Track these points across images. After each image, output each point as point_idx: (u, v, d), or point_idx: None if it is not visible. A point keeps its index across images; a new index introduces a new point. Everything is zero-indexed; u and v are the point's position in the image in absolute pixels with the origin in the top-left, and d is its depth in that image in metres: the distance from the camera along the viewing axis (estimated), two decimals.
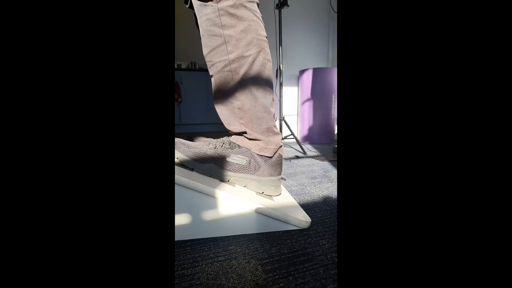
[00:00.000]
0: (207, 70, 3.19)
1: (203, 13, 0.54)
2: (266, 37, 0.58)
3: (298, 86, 2.29)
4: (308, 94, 2.07)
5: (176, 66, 3.18)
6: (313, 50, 2.42)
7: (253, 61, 0.55)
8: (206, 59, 0.57)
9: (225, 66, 0.55)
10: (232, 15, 0.53)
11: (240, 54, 0.54)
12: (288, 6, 1.50)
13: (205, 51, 0.57)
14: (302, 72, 2.11)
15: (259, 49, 0.56)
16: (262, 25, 0.57)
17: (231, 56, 0.54)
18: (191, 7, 0.62)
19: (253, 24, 0.55)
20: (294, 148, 1.72)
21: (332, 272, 0.40)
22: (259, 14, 0.57)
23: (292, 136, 1.72)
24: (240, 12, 0.53)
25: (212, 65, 0.57)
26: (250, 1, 0.55)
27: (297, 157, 1.43)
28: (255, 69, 0.56)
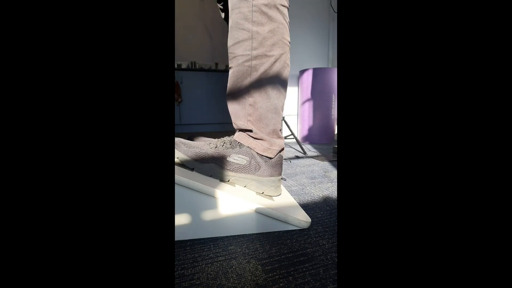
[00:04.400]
0: (207, 70, 3.19)
1: (237, 6, 0.55)
2: (290, 42, 0.59)
3: (298, 86, 2.29)
4: (308, 94, 2.07)
5: (176, 66, 3.18)
6: (313, 50, 2.42)
7: (274, 62, 0.56)
8: (229, 50, 0.58)
9: (246, 60, 0.56)
10: (264, 13, 0.54)
11: (264, 53, 0.55)
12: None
13: (230, 42, 0.58)
14: (302, 72, 2.11)
15: (282, 52, 0.57)
16: (288, 30, 0.59)
17: (254, 53, 0.55)
18: (225, 5, 0.62)
19: (281, 27, 0.56)
20: (294, 148, 1.72)
21: (332, 272, 0.40)
22: (287, 19, 0.59)
23: (292, 136, 1.72)
24: (272, 12, 0.54)
25: (234, 57, 0.57)
26: (282, 5, 0.56)
27: (297, 157, 1.43)
28: (274, 70, 0.57)
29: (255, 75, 0.56)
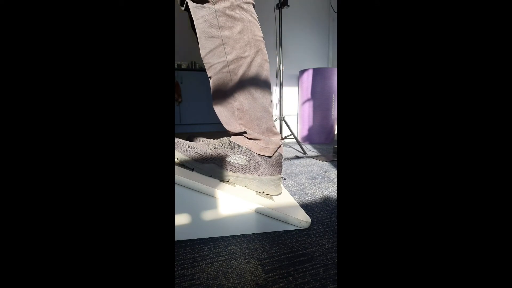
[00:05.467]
0: None
1: (200, 15, 0.54)
2: (263, 38, 0.59)
3: (298, 86, 2.29)
4: (308, 94, 2.07)
5: (176, 66, 3.18)
6: (313, 50, 2.42)
7: (251, 62, 0.55)
8: (204, 61, 0.58)
9: (224, 67, 0.55)
10: (229, 16, 0.53)
11: (238, 55, 0.54)
12: (288, 6, 1.50)
13: (202, 53, 0.57)
14: (302, 72, 2.10)
15: (256, 50, 0.56)
16: (258, 25, 0.58)
17: (229, 57, 0.54)
18: (187, 9, 0.62)
19: (250, 25, 0.55)
20: (294, 148, 1.72)
21: (332, 272, 0.40)
22: (255, 15, 0.58)
23: (292, 136, 1.72)
24: (237, 13, 0.53)
25: (210, 66, 0.57)
26: (246, 2, 0.55)
27: (297, 157, 1.43)
28: (253, 70, 0.56)
29: (235, 79, 0.56)
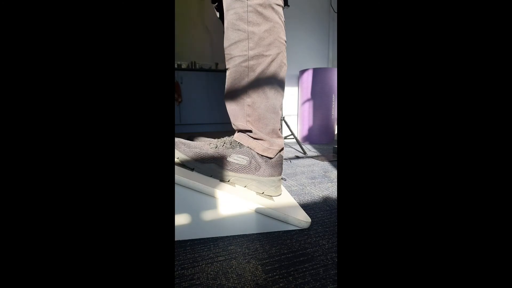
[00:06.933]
0: (207, 70, 3.19)
1: (232, 6, 0.55)
2: (286, 41, 0.60)
3: (298, 86, 2.29)
4: (308, 94, 2.07)
5: (176, 66, 3.17)
6: (313, 50, 2.42)
7: (271, 62, 0.56)
8: (226, 52, 0.58)
9: (243, 61, 0.56)
10: (259, 13, 0.54)
11: (260, 53, 0.55)
12: (288, 6, 1.50)
13: (226, 43, 0.58)
14: (302, 72, 2.10)
15: (278, 51, 0.57)
16: (284, 29, 0.59)
17: (251, 53, 0.55)
18: (220, 6, 0.63)
19: (277, 26, 0.57)
20: (294, 148, 1.72)
21: (332, 272, 0.40)
22: (283, 18, 0.59)
23: (292, 136, 1.72)
24: (267, 12, 0.55)
25: (231, 58, 0.57)
26: (277, 4, 0.56)
27: (297, 157, 1.43)
28: (271, 70, 0.57)
29: (252, 76, 0.56)
